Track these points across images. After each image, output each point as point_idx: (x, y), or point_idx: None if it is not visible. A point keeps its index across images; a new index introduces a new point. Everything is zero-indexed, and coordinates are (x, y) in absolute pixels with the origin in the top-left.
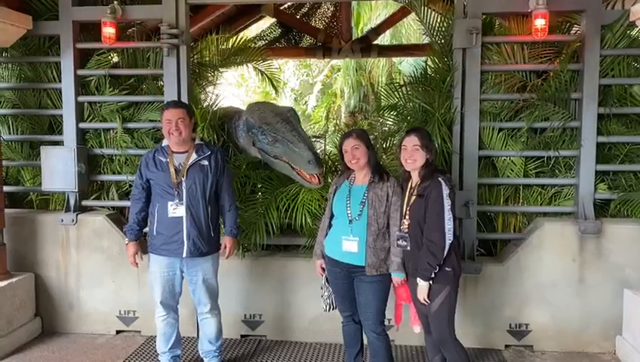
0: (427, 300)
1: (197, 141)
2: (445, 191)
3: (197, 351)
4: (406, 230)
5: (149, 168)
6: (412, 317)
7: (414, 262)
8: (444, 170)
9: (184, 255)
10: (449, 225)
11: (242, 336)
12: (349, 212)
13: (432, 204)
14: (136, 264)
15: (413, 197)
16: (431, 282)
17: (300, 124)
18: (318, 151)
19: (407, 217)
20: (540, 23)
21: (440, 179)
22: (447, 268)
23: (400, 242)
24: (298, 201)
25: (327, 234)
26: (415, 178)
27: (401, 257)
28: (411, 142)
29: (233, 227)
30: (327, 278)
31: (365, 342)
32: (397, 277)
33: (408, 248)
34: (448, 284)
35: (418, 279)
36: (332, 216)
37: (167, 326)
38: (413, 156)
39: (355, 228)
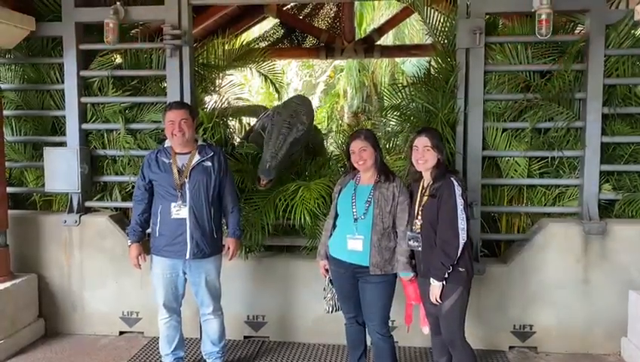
0: (439, 300)
1: (200, 142)
2: (458, 191)
3: (200, 352)
4: (418, 230)
5: (151, 169)
6: (421, 318)
7: (427, 263)
8: (456, 170)
9: (187, 256)
10: (462, 224)
11: (245, 337)
12: (354, 210)
13: (444, 204)
14: (139, 266)
15: (426, 198)
16: (444, 282)
17: (299, 115)
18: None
19: (419, 218)
20: (543, 22)
21: (452, 179)
22: (460, 269)
23: (411, 242)
24: (297, 199)
25: (331, 234)
26: (427, 178)
27: (406, 256)
28: (422, 142)
29: (236, 228)
30: (330, 279)
31: (369, 343)
32: (404, 277)
33: (420, 248)
34: (461, 285)
35: (431, 279)
36: (336, 217)
37: (169, 329)
38: (424, 156)
39: (360, 226)
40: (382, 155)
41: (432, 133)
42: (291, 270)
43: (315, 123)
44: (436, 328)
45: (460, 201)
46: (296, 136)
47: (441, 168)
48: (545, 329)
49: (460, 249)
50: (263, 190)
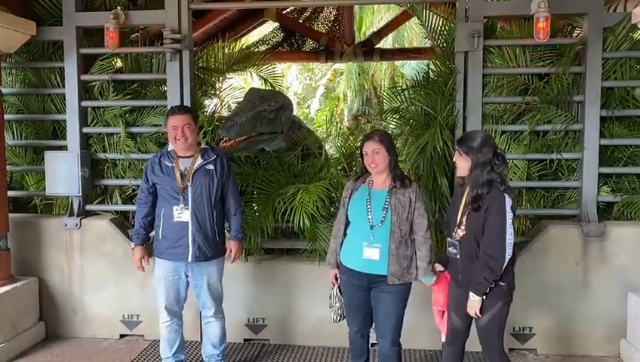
0: (479, 314)
1: (202, 145)
2: (508, 203)
3: (200, 355)
4: (458, 238)
5: (154, 172)
6: (442, 323)
7: (465, 274)
8: (504, 179)
9: (189, 259)
10: (510, 239)
11: (245, 340)
12: (370, 217)
13: (492, 217)
14: (143, 269)
15: (470, 207)
16: (484, 297)
17: (274, 94)
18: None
19: (462, 227)
20: (541, 25)
21: (502, 190)
22: (501, 283)
23: (450, 249)
24: (296, 202)
25: (342, 241)
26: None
27: (427, 262)
28: (456, 148)
29: (239, 231)
30: (339, 288)
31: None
32: (427, 282)
33: (458, 256)
34: (501, 300)
35: (471, 293)
36: (347, 223)
37: (171, 332)
38: (457, 161)
39: (377, 234)
40: (397, 159)
41: (461, 139)
42: (291, 273)
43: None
44: (452, 339)
45: (509, 215)
46: (267, 108)
47: (482, 176)
48: (544, 331)
49: (505, 264)
50: (262, 192)
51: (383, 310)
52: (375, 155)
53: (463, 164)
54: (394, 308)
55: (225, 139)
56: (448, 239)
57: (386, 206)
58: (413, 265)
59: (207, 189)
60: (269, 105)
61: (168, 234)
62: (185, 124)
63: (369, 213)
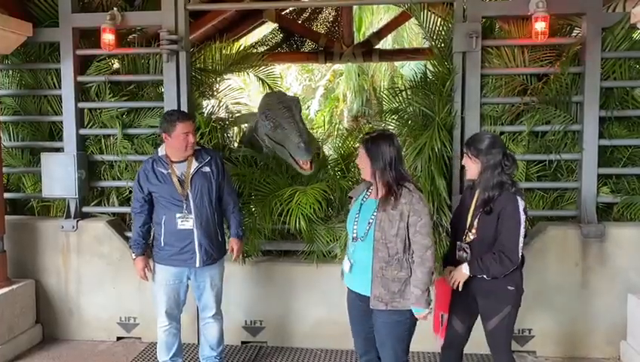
0: (459, 287)
1: (195, 147)
2: (521, 206)
3: (198, 357)
4: (468, 241)
5: (149, 181)
6: (442, 327)
7: (475, 278)
8: (514, 181)
9: (197, 265)
10: (521, 243)
11: (243, 343)
12: (355, 227)
13: (507, 220)
14: (147, 278)
15: (481, 211)
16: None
17: (301, 113)
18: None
19: (473, 231)
20: (540, 26)
21: (513, 192)
22: (509, 287)
23: (460, 253)
24: (292, 204)
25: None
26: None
27: (422, 289)
28: (464, 151)
29: (239, 228)
30: None
31: None
32: (417, 313)
33: (468, 260)
34: (509, 304)
35: (465, 266)
36: None
37: (169, 336)
38: (466, 164)
39: (359, 249)
40: (394, 165)
41: (469, 141)
42: (289, 275)
43: (309, 126)
44: (452, 343)
45: (522, 218)
46: (300, 111)
47: (491, 179)
48: (544, 333)
49: (514, 267)
50: (259, 194)
51: (379, 338)
52: (358, 158)
53: (472, 167)
54: (387, 337)
55: (305, 162)
56: (458, 243)
57: (371, 219)
58: (409, 289)
59: (207, 192)
60: (296, 106)
61: (172, 241)
62: (194, 128)
63: (355, 224)
